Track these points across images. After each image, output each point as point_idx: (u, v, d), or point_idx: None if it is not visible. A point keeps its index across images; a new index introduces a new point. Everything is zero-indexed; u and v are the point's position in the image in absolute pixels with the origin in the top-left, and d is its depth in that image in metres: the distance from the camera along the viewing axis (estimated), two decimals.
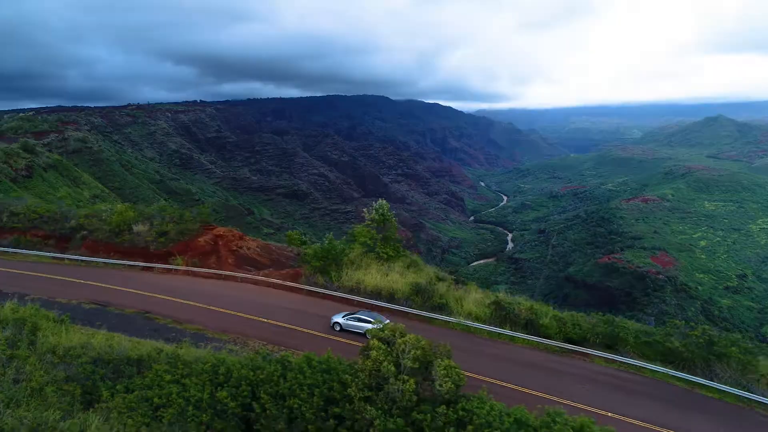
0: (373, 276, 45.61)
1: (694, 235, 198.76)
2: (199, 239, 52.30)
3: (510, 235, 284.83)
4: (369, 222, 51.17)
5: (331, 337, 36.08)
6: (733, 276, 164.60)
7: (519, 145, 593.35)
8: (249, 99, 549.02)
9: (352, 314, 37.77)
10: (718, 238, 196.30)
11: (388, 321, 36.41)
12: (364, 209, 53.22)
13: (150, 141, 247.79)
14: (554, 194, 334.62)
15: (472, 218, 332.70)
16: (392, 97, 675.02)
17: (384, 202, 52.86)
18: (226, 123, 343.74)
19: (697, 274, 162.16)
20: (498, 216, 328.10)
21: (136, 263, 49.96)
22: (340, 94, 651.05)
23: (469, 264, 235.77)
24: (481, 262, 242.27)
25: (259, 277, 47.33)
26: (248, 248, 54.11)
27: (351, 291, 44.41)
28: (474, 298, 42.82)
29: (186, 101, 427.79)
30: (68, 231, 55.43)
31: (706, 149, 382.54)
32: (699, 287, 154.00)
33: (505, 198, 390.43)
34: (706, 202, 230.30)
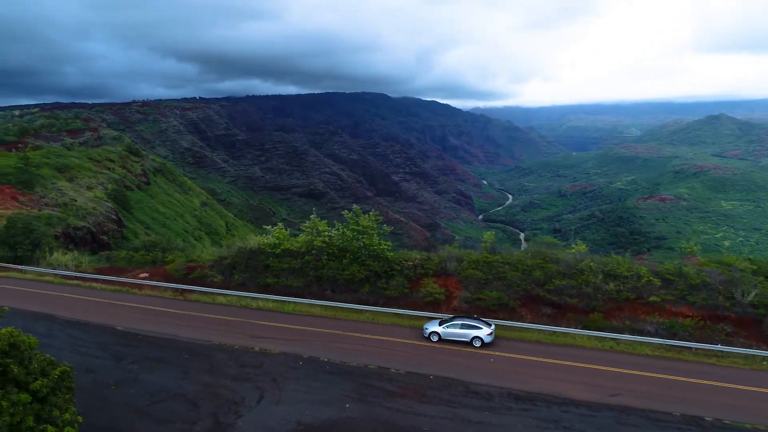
0: None
1: (716, 235, 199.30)
2: None
3: (522, 234, 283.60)
4: None
5: None
6: None
7: (518, 143, 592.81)
8: (248, 96, 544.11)
9: (451, 321, 33.93)
10: (741, 238, 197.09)
11: (493, 326, 34.05)
12: None
13: (162, 139, 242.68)
14: (562, 193, 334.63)
15: (480, 217, 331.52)
16: (390, 95, 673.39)
17: None
18: (232, 120, 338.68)
19: None
20: (507, 215, 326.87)
21: None
22: (338, 91, 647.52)
23: None
24: None
25: None
26: None
27: None
28: None
29: (186, 98, 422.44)
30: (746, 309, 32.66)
31: (709, 148, 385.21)
32: None
33: (510, 197, 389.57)
34: (722, 202, 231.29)
